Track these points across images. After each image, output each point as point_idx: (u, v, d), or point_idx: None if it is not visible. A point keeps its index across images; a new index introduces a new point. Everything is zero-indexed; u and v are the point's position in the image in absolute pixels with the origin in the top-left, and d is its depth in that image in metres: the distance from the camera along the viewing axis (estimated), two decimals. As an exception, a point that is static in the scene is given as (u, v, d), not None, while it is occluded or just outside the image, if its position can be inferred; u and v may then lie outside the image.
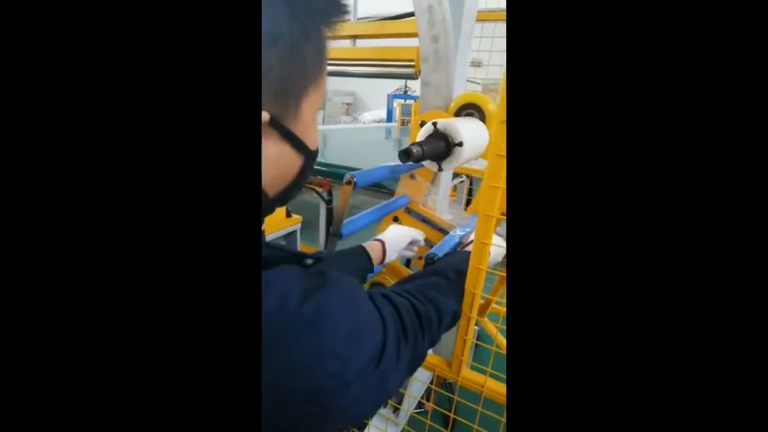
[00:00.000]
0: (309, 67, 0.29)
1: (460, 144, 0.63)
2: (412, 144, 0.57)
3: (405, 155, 0.56)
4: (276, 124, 0.28)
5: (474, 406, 0.57)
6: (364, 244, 0.66)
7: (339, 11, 0.29)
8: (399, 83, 4.94)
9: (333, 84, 6.40)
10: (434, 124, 0.69)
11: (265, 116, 0.27)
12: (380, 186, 1.63)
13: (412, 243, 0.74)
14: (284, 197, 0.33)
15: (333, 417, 0.28)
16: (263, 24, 0.24)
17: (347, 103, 6.21)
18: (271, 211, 0.33)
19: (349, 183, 0.67)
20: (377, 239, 0.69)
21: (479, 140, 0.72)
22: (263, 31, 0.24)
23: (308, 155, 0.32)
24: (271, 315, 0.25)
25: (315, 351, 0.27)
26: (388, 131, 3.73)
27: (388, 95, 5.08)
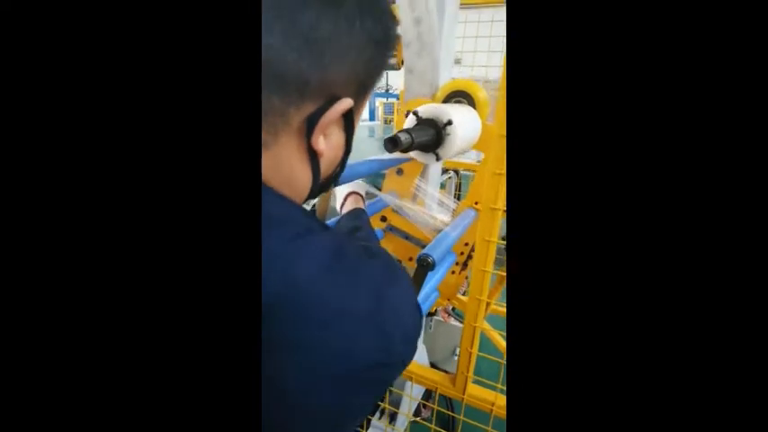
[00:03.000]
0: (381, 73, 0.31)
1: (450, 123, 0.56)
2: (400, 131, 0.50)
3: (391, 143, 0.48)
4: (349, 115, 0.29)
5: (482, 426, 0.51)
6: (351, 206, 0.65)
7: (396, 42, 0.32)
8: (381, 81, 4.86)
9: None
10: (415, 113, 0.62)
11: (349, 103, 0.28)
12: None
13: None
14: (327, 184, 0.35)
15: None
16: (379, 24, 0.28)
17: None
18: (318, 193, 0.35)
19: (330, 179, 0.59)
20: (355, 192, 0.67)
21: (471, 125, 0.65)
22: (377, 31, 0.28)
23: (348, 150, 0.33)
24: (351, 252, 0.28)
25: (406, 297, 0.30)
26: (372, 130, 3.67)
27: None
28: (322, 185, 0.33)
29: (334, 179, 0.35)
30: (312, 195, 0.33)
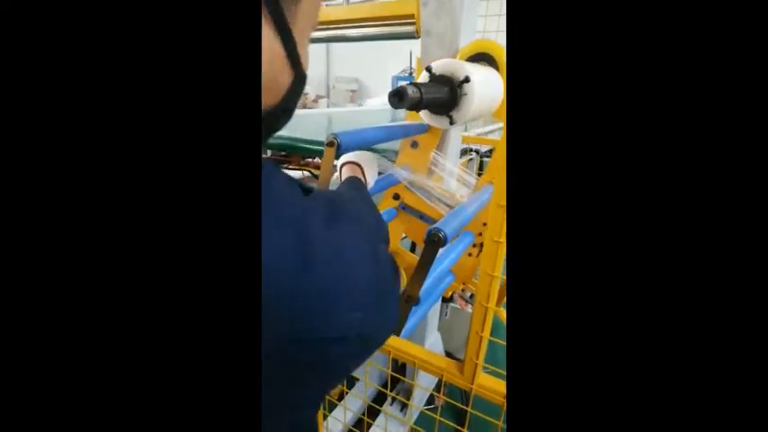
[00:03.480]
0: None
1: (467, 80, 0.49)
2: (407, 84, 0.44)
3: (397, 97, 0.42)
4: (273, 3, 0.21)
5: (493, 420, 0.45)
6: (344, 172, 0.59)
7: None
8: (404, 64, 4.77)
9: (337, 70, 6.26)
10: (428, 69, 0.55)
11: None
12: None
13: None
14: (273, 118, 0.26)
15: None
16: None
17: (352, 90, 6.06)
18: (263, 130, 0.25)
19: (331, 144, 0.53)
20: (351, 162, 0.59)
21: (493, 85, 0.58)
22: None
23: (299, 74, 0.25)
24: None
25: (354, 244, 0.25)
26: (394, 113, 3.61)
27: (393, 78, 4.93)
28: (264, 118, 0.25)
29: (284, 114, 0.27)
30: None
